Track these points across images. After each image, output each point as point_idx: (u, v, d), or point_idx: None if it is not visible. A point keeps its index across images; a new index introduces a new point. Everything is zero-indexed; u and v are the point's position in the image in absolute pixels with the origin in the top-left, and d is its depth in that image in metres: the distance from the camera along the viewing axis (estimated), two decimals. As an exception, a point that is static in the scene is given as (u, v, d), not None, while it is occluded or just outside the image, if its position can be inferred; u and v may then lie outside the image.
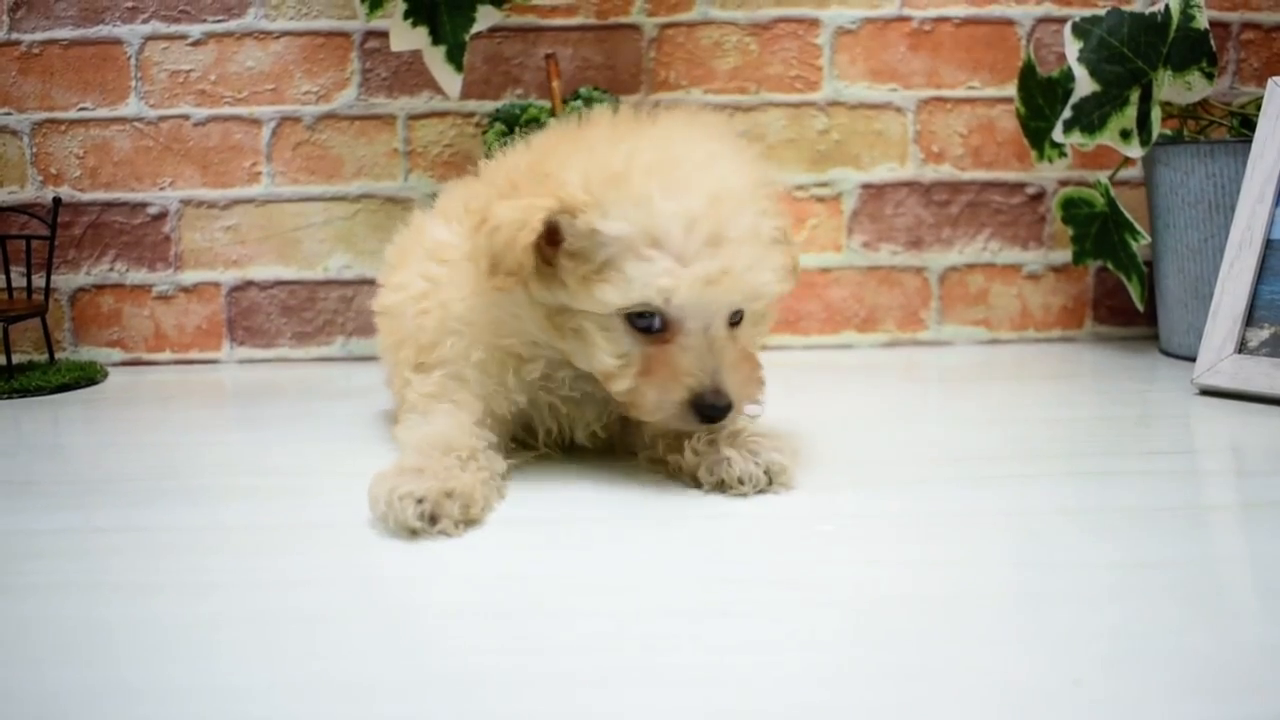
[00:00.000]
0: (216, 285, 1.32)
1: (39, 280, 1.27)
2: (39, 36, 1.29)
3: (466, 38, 1.12)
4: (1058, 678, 0.44)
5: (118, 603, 0.55)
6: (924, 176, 1.32)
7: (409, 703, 0.43)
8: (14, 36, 1.29)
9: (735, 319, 0.73)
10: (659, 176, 0.69)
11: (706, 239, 0.68)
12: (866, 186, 1.31)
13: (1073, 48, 1.12)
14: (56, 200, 1.25)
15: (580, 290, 0.70)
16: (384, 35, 1.23)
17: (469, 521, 0.66)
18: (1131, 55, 1.09)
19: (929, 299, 1.33)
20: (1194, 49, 1.08)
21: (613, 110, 0.78)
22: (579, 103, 1.15)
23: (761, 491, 0.71)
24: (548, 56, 1.17)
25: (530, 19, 1.28)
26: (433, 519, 0.64)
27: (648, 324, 0.70)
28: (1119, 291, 1.31)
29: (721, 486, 0.71)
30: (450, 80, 1.13)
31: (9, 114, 1.30)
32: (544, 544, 0.64)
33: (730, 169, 0.72)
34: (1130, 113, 1.10)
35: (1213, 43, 1.07)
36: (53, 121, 1.30)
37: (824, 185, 1.31)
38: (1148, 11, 1.08)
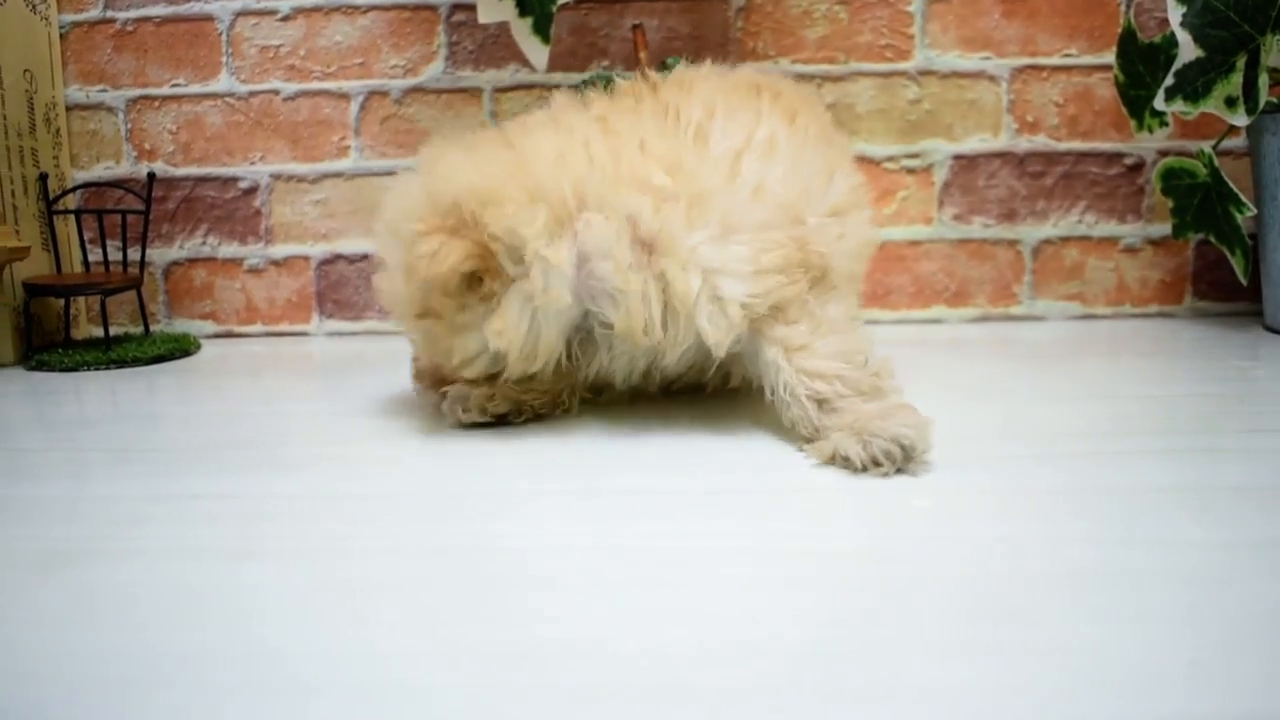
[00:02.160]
0: (306, 258, 1.33)
1: (134, 254, 1.29)
2: (133, 14, 1.31)
3: (554, 9, 1.12)
4: (1170, 658, 0.43)
5: (213, 568, 0.56)
6: (1018, 147, 1.29)
7: (493, 671, 0.43)
8: (109, 14, 1.31)
9: None
10: None
11: None
12: (958, 158, 1.29)
13: (1176, 12, 1.08)
14: (151, 175, 1.28)
15: None
16: (470, 8, 1.23)
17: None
18: (1238, 19, 1.05)
19: (1022, 273, 1.30)
20: (1306, 12, 1.04)
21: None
22: (666, 73, 1.13)
23: (900, 470, 0.69)
24: (634, 27, 1.16)
25: (616, -10, 1.28)
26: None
27: None
28: (1221, 265, 1.27)
29: (862, 469, 0.69)
30: (537, 52, 1.13)
31: (104, 91, 1.32)
32: (632, 516, 0.63)
33: (409, 189, 0.80)
34: (1236, 79, 1.06)
35: (1326, 5, 1.03)
36: (147, 98, 1.32)
37: (914, 156, 1.29)
38: (1256, -26, 1.04)
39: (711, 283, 0.74)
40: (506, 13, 1.12)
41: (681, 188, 0.75)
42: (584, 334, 0.80)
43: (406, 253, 0.75)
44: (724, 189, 0.76)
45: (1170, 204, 1.19)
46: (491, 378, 0.82)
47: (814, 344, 0.75)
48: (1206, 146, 1.15)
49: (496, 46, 1.29)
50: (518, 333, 0.76)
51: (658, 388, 0.88)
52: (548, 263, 0.74)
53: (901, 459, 0.68)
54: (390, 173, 1.30)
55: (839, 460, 0.70)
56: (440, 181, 0.76)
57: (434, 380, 0.85)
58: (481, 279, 0.75)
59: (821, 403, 0.74)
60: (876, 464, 0.68)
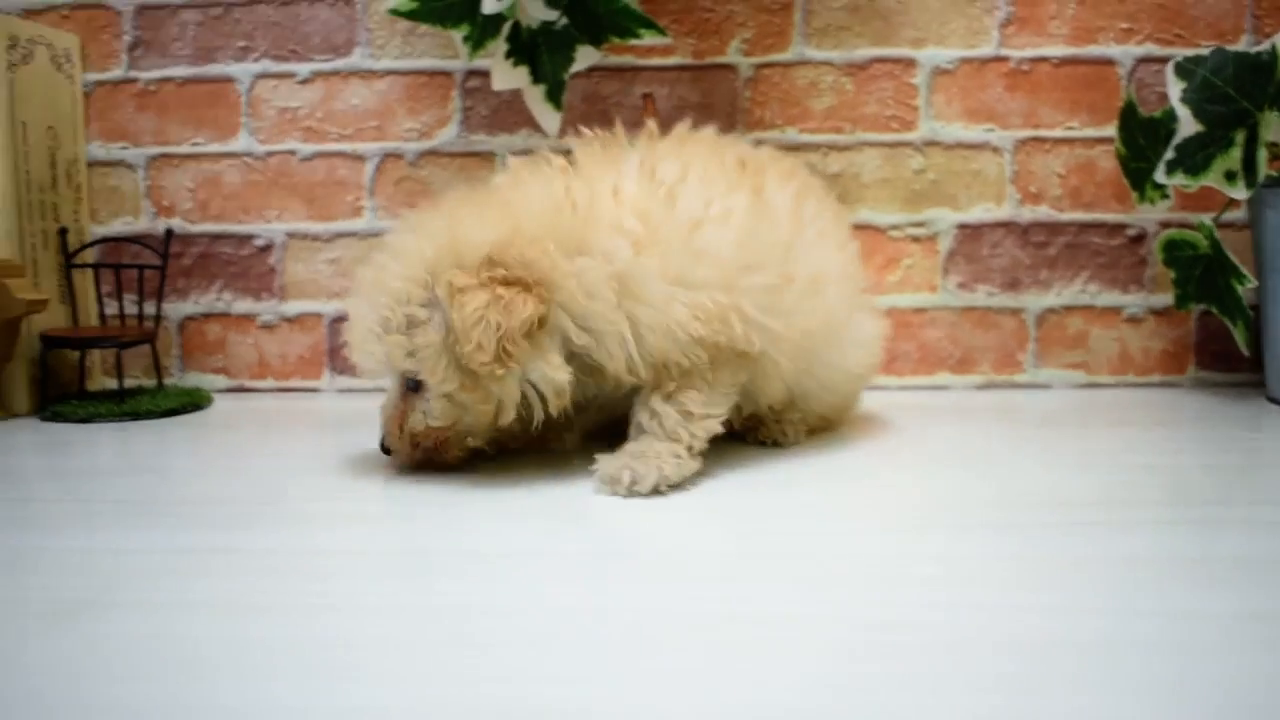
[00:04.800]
0: (318, 316, 1.35)
1: (150, 308, 1.31)
2: (155, 74, 1.34)
3: (566, 77, 1.14)
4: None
5: (220, 622, 0.56)
6: (1021, 217, 1.30)
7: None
8: (132, 74, 1.34)
9: (411, 385, 0.85)
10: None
11: (347, 318, 0.87)
12: (963, 227, 1.31)
13: (1175, 88, 1.10)
14: (168, 231, 1.30)
15: None
16: (485, 74, 1.26)
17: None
18: (1236, 95, 1.07)
19: (1026, 341, 1.31)
20: (1303, 90, 1.06)
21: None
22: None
23: (616, 493, 0.81)
24: (645, 95, 1.19)
25: (628, 59, 1.30)
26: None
27: None
28: (1223, 336, 1.28)
29: (602, 484, 0.82)
30: (549, 118, 1.15)
31: (125, 148, 1.35)
32: (634, 579, 0.64)
33: (408, 253, 0.82)
34: (1235, 154, 1.08)
35: (1322, 84, 1.05)
36: (166, 156, 1.35)
37: (919, 225, 1.30)
38: (1253, 51, 1.07)
39: (668, 337, 0.82)
40: (520, 80, 1.15)
41: (649, 237, 0.81)
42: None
43: (460, 308, 0.77)
44: (680, 249, 0.82)
45: (1172, 275, 1.21)
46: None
47: (678, 394, 0.84)
48: (1207, 219, 1.16)
49: (509, 112, 1.31)
50: (564, 370, 0.81)
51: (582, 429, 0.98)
52: (567, 308, 0.80)
53: (625, 486, 0.81)
54: (403, 233, 1.32)
55: (604, 476, 0.82)
56: (459, 238, 0.80)
57: (428, 449, 0.88)
58: (542, 322, 0.79)
59: (641, 431, 0.85)
60: (614, 482, 0.81)
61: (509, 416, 0.83)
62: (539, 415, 0.83)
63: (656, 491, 0.81)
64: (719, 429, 0.86)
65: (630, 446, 0.84)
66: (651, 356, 0.82)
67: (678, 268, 0.81)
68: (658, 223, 0.82)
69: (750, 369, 0.87)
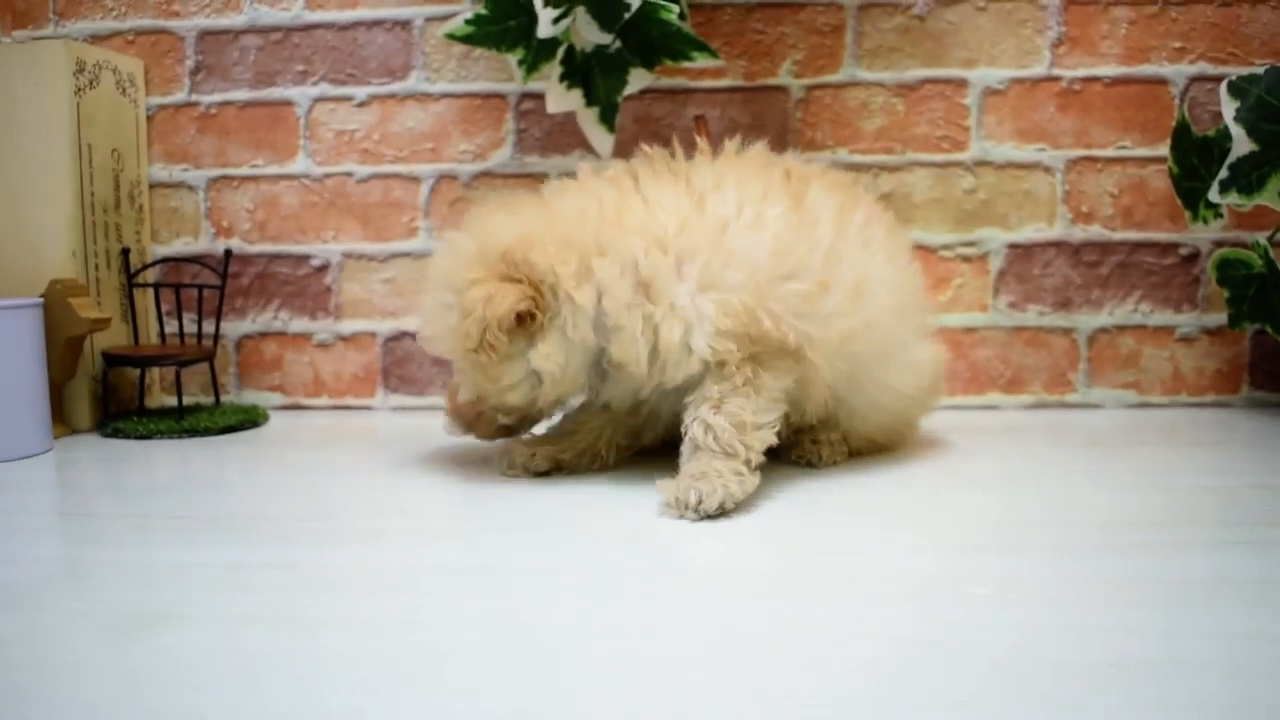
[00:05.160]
0: (373, 335, 1.37)
1: (209, 327, 1.34)
2: (216, 98, 1.37)
3: (619, 99, 1.16)
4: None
5: (275, 635, 0.58)
6: (1073, 236, 1.30)
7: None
8: (194, 98, 1.37)
9: None
10: None
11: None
12: (1014, 246, 1.30)
13: (1229, 107, 1.10)
14: (228, 252, 1.32)
15: None
16: (538, 97, 1.28)
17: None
18: (1292, 115, 1.07)
19: (1077, 361, 1.31)
20: (1359, 109, 1.05)
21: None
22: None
23: (682, 516, 0.81)
24: (697, 118, 1.20)
25: (680, 81, 1.31)
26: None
27: None
28: (1277, 356, 1.27)
29: (667, 506, 0.83)
30: (602, 140, 1.17)
31: (187, 170, 1.38)
32: (699, 593, 0.65)
33: (454, 248, 0.92)
34: (1291, 173, 1.08)
35: (1380, 102, 1.05)
36: (226, 177, 1.38)
37: (970, 245, 1.30)
38: (1310, 71, 1.06)
39: (686, 334, 0.84)
40: (574, 103, 1.16)
41: (680, 242, 0.85)
42: (600, 368, 0.90)
43: (462, 297, 0.86)
44: (709, 251, 0.85)
45: (1226, 294, 1.20)
46: (539, 440, 0.98)
47: (726, 402, 0.85)
48: (1261, 238, 1.16)
49: (562, 134, 1.33)
50: (558, 360, 0.88)
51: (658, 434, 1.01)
52: (574, 303, 0.86)
53: (691, 508, 0.80)
54: (456, 253, 1.34)
55: (669, 499, 0.82)
56: (488, 237, 0.89)
57: (468, 420, 0.98)
58: (533, 316, 0.86)
59: (696, 447, 0.85)
60: (682, 505, 0.81)
61: (517, 396, 0.90)
62: (544, 398, 0.90)
63: (722, 510, 0.81)
64: (773, 439, 0.87)
65: (689, 468, 0.84)
66: (676, 354, 0.85)
67: (704, 270, 0.84)
68: (689, 227, 0.86)
69: (795, 371, 0.87)
